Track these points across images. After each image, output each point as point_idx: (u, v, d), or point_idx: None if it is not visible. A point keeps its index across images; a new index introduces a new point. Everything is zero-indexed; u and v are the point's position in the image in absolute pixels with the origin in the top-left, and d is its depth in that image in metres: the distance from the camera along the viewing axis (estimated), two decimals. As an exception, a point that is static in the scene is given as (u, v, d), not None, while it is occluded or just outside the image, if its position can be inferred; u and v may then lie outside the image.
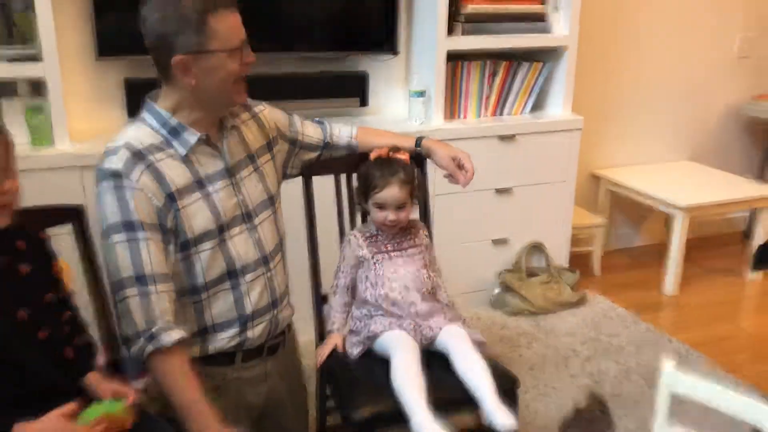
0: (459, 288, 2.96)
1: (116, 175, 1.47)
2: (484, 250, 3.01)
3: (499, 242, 3.04)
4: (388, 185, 1.76)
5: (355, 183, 1.92)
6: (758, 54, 3.77)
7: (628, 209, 3.73)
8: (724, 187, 3.45)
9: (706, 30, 3.61)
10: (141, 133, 1.55)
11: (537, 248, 3.11)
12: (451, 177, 1.92)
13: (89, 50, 2.47)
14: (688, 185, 3.45)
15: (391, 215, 1.79)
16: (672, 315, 3.15)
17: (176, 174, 1.54)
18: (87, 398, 1.34)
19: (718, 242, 4.01)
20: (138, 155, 1.51)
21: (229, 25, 1.50)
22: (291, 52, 2.68)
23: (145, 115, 1.58)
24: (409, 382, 1.64)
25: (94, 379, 1.38)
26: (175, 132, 1.55)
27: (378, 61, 2.89)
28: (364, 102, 2.87)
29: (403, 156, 1.85)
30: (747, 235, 3.89)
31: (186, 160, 1.56)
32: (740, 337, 2.98)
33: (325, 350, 1.83)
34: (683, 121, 3.74)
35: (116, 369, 1.57)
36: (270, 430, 1.79)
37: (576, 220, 3.26)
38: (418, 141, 1.95)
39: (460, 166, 1.91)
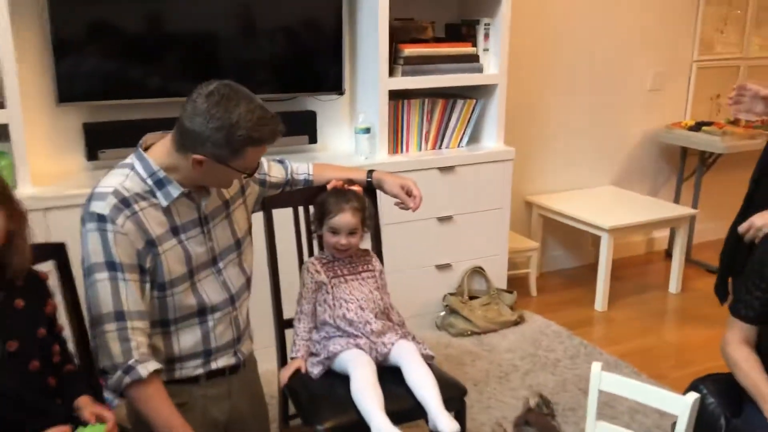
0: (406, 311, 3.10)
1: (102, 219, 1.59)
2: (429, 275, 3.21)
3: (442, 267, 3.24)
4: (342, 211, 1.94)
5: (311, 212, 2.09)
6: (669, 87, 4.14)
7: (560, 233, 4.00)
8: (645, 209, 3.76)
9: (622, 66, 3.95)
10: (128, 181, 1.65)
11: (477, 272, 3.32)
12: (401, 204, 2.10)
13: (49, 97, 2.58)
14: (612, 208, 3.75)
15: (342, 239, 1.96)
16: (602, 329, 3.41)
17: (156, 223, 1.67)
18: (76, 422, 1.45)
19: (643, 261, 4.33)
20: (124, 202, 1.62)
21: (257, 156, 1.66)
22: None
23: (135, 162, 1.68)
24: (367, 393, 1.81)
25: (82, 404, 1.50)
26: (160, 183, 1.67)
27: (325, 100, 3.08)
28: (313, 139, 3.05)
29: (357, 188, 2.04)
30: (669, 253, 4.22)
31: (166, 210, 1.69)
32: (664, 347, 3.25)
33: (287, 372, 1.97)
34: (605, 148, 4.06)
35: (96, 394, 1.68)
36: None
37: (512, 244, 3.50)
38: (369, 173, 2.14)
39: (409, 193, 2.09)
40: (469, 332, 3.19)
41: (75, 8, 2.50)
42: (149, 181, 1.66)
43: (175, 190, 1.68)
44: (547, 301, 3.67)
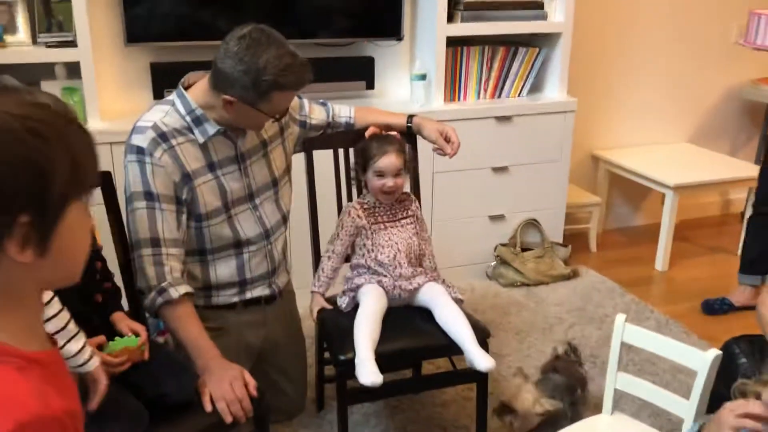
0: (457, 260, 3.18)
1: (141, 152, 1.71)
2: (481, 225, 3.22)
3: (495, 218, 3.24)
4: (386, 153, 1.98)
5: (352, 159, 2.14)
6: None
7: (627, 189, 3.89)
8: (717, 168, 3.60)
9: (703, 15, 3.73)
10: (168, 117, 1.76)
11: (532, 224, 3.30)
12: (439, 150, 2.12)
13: (119, 37, 2.72)
14: (683, 166, 3.60)
15: (389, 182, 2.00)
16: (659, 289, 3.33)
17: (192, 158, 1.77)
18: (112, 334, 1.59)
19: (717, 222, 4.16)
20: (162, 137, 1.73)
21: (285, 101, 1.73)
22: (303, 38, 2.90)
23: (175, 100, 1.79)
24: (362, 329, 1.85)
25: (117, 318, 1.64)
26: (198, 121, 1.76)
27: (383, 46, 3.10)
28: (370, 85, 3.08)
29: (394, 133, 2.07)
30: (744, 215, 4.02)
31: (203, 146, 1.78)
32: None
33: (314, 307, 2.05)
34: (682, 103, 3.88)
35: (137, 314, 1.83)
36: (269, 371, 2.03)
37: (573, 198, 3.45)
38: (410, 118, 2.17)
39: (447, 139, 2.11)
40: (519, 283, 3.20)
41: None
42: (188, 118, 1.76)
43: (211, 128, 1.76)
44: (606, 257, 3.60)
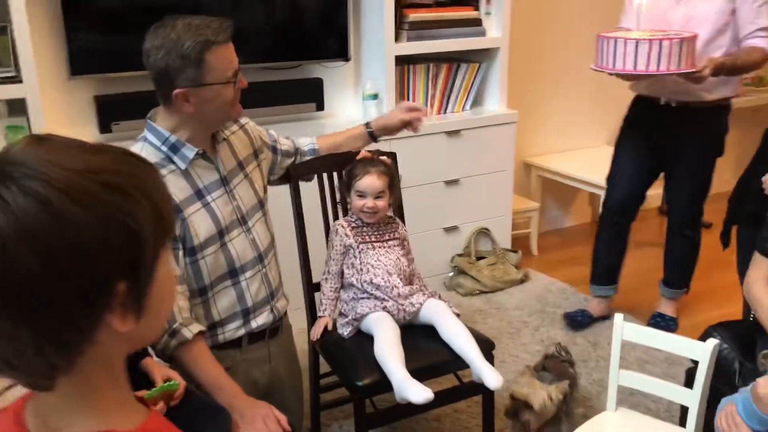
0: (416, 273, 3.22)
1: None
2: (437, 237, 3.29)
3: (450, 230, 3.32)
4: (368, 174, 2.00)
5: (339, 182, 2.14)
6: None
7: (557, 193, 4.09)
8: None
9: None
10: (145, 152, 1.70)
11: (483, 233, 3.41)
12: (410, 125, 2.15)
13: (62, 70, 2.58)
14: (608, 167, 3.82)
15: (369, 202, 2.02)
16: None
17: (178, 188, 1.71)
18: (139, 383, 1.51)
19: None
20: None
21: (224, 59, 1.66)
22: (251, 62, 2.86)
23: (147, 134, 1.73)
24: (389, 354, 1.87)
25: (148, 364, 1.56)
26: (174, 148, 1.71)
27: (331, 67, 3.11)
28: (320, 106, 3.08)
29: (385, 158, 2.09)
30: (662, 210, 4.33)
31: (186, 173, 1.73)
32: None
33: (318, 329, 2.04)
34: (602, 109, 4.13)
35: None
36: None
37: (514, 205, 3.59)
38: (368, 125, 2.19)
39: (413, 109, 2.14)
40: (477, 291, 3.29)
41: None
42: (163, 148, 1.70)
43: (189, 152, 1.71)
44: (548, 259, 3.77)
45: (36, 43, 2.44)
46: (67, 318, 0.64)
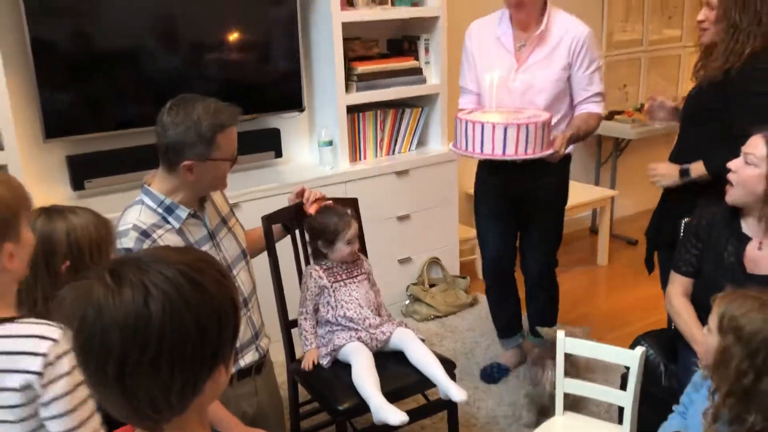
0: (375, 303, 3.47)
1: (128, 252, 1.84)
2: (392, 268, 3.55)
3: (404, 261, 3.59)
4: (350, 225, 2.25)
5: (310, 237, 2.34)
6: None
7: (499, 220, 4.41)
8: (570, 193, 4.20)
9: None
10: (143, 214, 1.91)
11: (434, 262, 3.69)
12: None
13: (37, 134, 2.74)
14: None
15: (356, 245, 2.28)
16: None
17: (174, 244, 1.92)
18: None
19: (571, 238, 4.81)
20: (144, 234, 1.88)
21: (229, 140, 1.93)
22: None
23: (143, 198, 1.94)
24: (366, 380, 2.12)
25: None
26: (169, 210, 1.93)
27: (287, 117, 3.35)
28: (279, 154, 3.32)
29: (328, 202, 2.32)
30: (593, 230, 4.72)
31: (180, 231, 1.95)
32: (598, 314, 3.71)
33: (310, 359, 2.26)
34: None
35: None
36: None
37: (460, 234, 3.88)
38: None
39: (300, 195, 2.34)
40: (432, 317, 3.56)
41: (54, 50, 2.68)
42: (159, 210, 1.92)
43: (183, 213, 1.94)
44: (493, 282, 4.07)
45: (13, 110, 2.60)
46: (205, 368, 0.89)
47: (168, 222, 1.93)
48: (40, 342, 1.20)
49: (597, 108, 2.70)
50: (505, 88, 2.63)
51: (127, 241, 1.85)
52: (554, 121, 2.62)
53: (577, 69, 2.64)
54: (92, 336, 0.84)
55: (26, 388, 1.18)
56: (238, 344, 2.07)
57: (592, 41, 2.66)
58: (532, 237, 2.91)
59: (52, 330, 1.22)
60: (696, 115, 2.45)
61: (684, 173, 2.41)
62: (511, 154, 2.33)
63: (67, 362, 1.21)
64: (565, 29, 2.63)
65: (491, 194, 2.89)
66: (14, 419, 1.21)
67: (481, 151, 2.36)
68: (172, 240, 1.92)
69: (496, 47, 2.70)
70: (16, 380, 1.18)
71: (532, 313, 3.02)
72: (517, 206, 2.84)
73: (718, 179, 2.17)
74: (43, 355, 1.19)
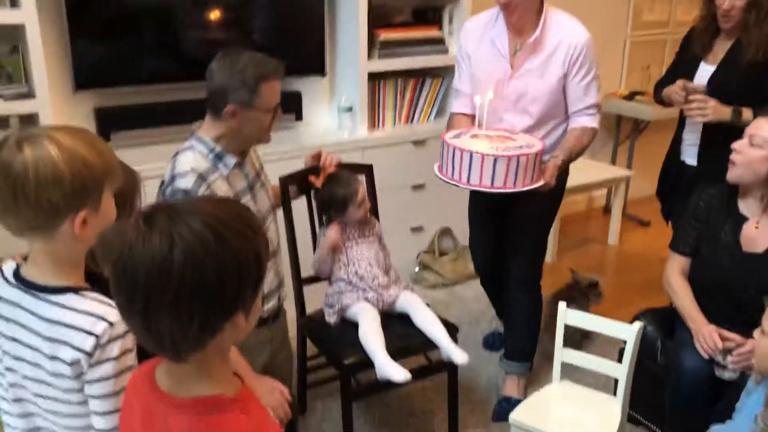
0: (386, 268, 3.56)
1: (187, 194, 1.92)
2: (404, 236, 3.62)
3: (416, 229, 3.66)
4: (358, 190, 2.33)
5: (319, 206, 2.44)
6: (606, 59, 4.61)
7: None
8: (586, 171, 4.24)
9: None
10: (198, 158, 1.98)
11: (446, 232, 3.76)
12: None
13: (66, 85, 2.83)
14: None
15: (367, 205, 2.37)
16: (552, 278, 3.89)
17: (223, 191, 2.00)
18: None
19: (585, 217, 4.86)
20: (201, 177, 1.95)
21: (273, 91, 1.99)
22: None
23: (194, 143, 2.01)
24: (372, 338, 2.21)
25: None
26: (219, 156, 2.01)
27: (308, 81, 3.41)
28: (299, 117, 3.39)
29: (331, 169, 2.38)
30: (607, 209, 4.76)
31: (227, 178, 2.03)
32: (604, 293, 3.76)
33: (332, 234, 2.35)
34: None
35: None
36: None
37: (473, 206, 3.94)
38: None
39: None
40: (440, 284, 3.64)
41: (87, 3, 2.75)
42: (210, 156, 1.99)
43: (231, 160, 2.02)
44: (504, 255, 4.14)
45: (46, 60, 2.69)
46: (223, 314, 0.97)
47: (218, 168, 2.00)
48: (97, 322, 1.21)
49: (591, 122, 2.54)
50: (499, 94, 2.48)
51: (185, 182, 1.92)
52: (549, 128, 2.56)
53: (572, 78, 2.46)
54: (124, 270, 0.93)
55: (75, 363, 1.21)
56: (266, 291, 2.15)
57: (590, 49, 2.46)
58: (516, 244, 2.73)
59: (111, 312, 1.22)
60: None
61: (736, 114, 2.47)
62: (499, 187, 2.22)
63: (118, 347, 1.22)
64: (563, 35, 2.43)
65: (481, 205, 2.83)
66: (64, 389, 1.26)
67: (468, 181, 2.25)
68: (222, 187, 1.99)
69: (491, 50, 2.52)
70: (68, 354, 1.21)
71: (510, 330, 2.81)
72: (505, 218, 2.72)
73: None
74: (97, 336, 1.20)
